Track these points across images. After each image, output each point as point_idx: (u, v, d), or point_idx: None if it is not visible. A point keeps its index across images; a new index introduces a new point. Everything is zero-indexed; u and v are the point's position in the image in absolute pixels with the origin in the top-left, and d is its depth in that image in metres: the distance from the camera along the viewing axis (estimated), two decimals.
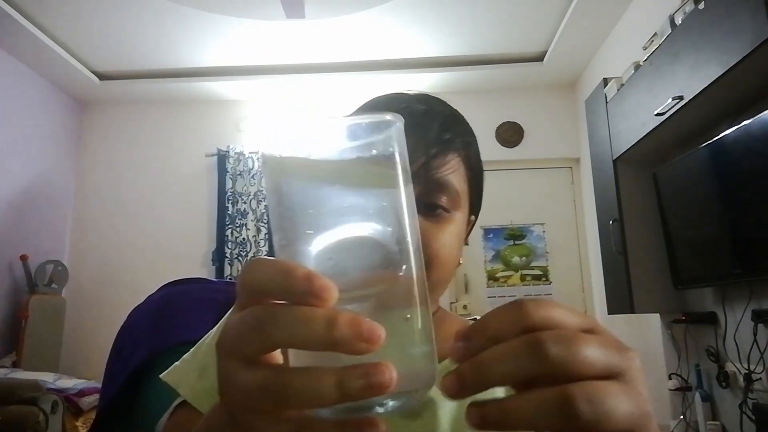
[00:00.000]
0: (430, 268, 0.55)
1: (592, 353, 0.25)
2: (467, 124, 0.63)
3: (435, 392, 0.56)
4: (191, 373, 0.59)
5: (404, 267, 0.27)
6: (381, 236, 0.27)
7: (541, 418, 0.25)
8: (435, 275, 0.56)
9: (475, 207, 0.63)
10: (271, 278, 0.25)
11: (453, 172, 0.56)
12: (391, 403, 0.26)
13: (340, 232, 0.27)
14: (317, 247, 0.27)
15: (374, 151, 0.28)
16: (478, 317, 0.69)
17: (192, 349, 0.62)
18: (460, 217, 0.58)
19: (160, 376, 0.60)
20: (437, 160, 0.55)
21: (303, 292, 0.24)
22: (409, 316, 0.27)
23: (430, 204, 0.55)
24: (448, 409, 0.56)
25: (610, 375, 0.26)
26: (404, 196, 0.28)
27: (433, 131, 0.56)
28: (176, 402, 0.59)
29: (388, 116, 0.29)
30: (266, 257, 0.26)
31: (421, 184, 0.54)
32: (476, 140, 0.63)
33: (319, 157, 0.29)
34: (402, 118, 0.29)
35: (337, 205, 0.28)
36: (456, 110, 0.63)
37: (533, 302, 0.27)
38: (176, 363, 0.61)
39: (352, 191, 0.28)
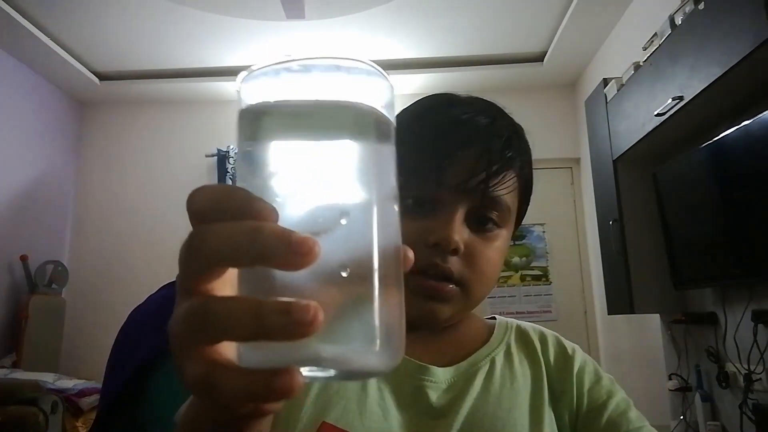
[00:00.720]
0: (475, 285, 0.56)
1: None
2: (526, 138, 0.62)
3: (462, 392, 0.56)
4: None
5: (350, 216, 0.25)
6: (332, 186, 0.26)
7: None
8: (479, 292, 0.57)
9: (520, 219, 0.63)
10: (210, 200, 0.24)
11: (510, 191, 0.56)
12: (315, 370, 0.24)
13: (297, 175, 0.26)
14: (271, 186, 0.26)
15: (350, 96, 0.26)
16: (497, 316, 0.69)
17: None
18: (506, 233, 0.58)
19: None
20: (498, 177, 0.55)
21: (239, 213, 0.23)
22: (346, 273, 0.24)
23: (482, 219, 0.56)
24: (475, 409, 0.56)
25: None
26: (372, 150, 0.26)
27: (497, 147, 0.56)
28: None
29: (373, 66, 0.27)
30: (211, 184, 0.25)
31: (478, 198, 0.54)
32: (531, 156, 0.62)
33: (290, 99, 0.27)
34: (385, 75, 0.28)
35: (300, 146, 0.27)
36: (516, 122, 0.62)
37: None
38: None
39: (320, 134, 0.26)
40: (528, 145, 0.62)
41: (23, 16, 3.10)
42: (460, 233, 0.53)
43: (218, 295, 0.25)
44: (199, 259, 0.24)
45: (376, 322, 0.24)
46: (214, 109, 4.11)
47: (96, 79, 3.81)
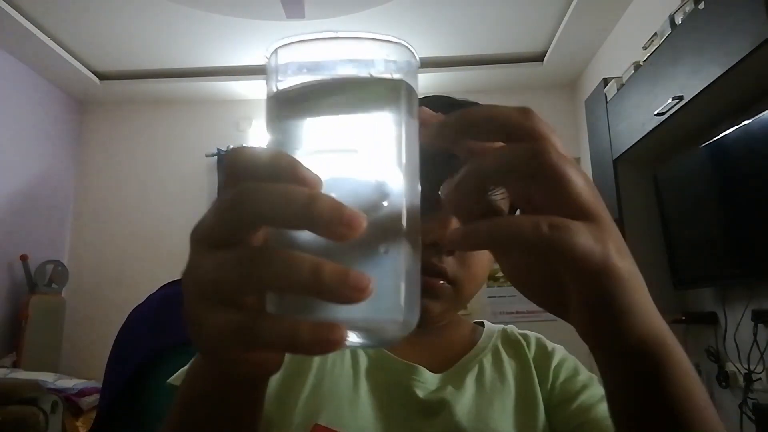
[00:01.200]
0: (467, 285, 0.58)
1: (574, 190, 0.28)
2: None
3: (452, 393, 0.56)
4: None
5: (390, 198, 0.26)
6: (371, 164, 0.26)
7: (513, 238, 0.27)
8: (470, 289, 0.59)
9: None
10: (256, 161, 0.25)
11: (506, 197, 0.57)
12: (353, 336, 0.25)
13: (328, 154, 0.26)
14: (309, 164, 0.26)
15: (379, 72, 0.27)
16: (485, 321, 0.70)
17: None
18: None
19: (168, 381, 0.60)
20: None
21: (286, 178, 0.24)
22: (385, 250, 0.26)
23: None
24: (465, 409, 0.57)
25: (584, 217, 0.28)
26: (404, 125, 0.27)
27: None
28: None
29: (403, 42, 0.28)
30: (251, 146, 0.26)
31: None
32: None
33: (317, 75, 0.27)
34: (415, 54, 0.29)
35: (329, 126, 0.27)
36: None
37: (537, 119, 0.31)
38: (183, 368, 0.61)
39: (348, 111, 0.27)
40: None
41: (23, 16, 3.09)
42: None
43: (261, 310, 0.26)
44: (248, 214, 0.24)
45: (403, 298, 0.26)
46: (214, 109, 4.11)
47: (96, 79, 3.81)
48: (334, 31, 0.27)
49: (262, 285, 0.24)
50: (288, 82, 0.27)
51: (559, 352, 0.66)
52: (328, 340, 0.22)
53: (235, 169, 0.26)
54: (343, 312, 0.23)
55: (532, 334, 0.69)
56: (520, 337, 0.67)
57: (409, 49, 0.28)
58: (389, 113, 0.27)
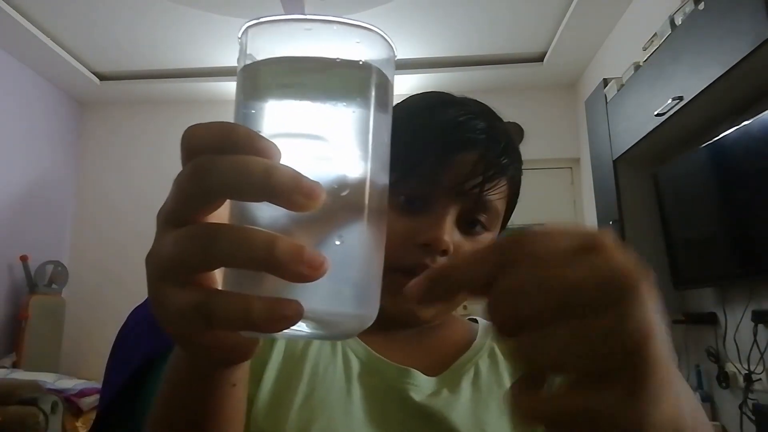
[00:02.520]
0: None
1: (571, 295, 0.22)
2: (517, 145, 0.63)
3: (447, 397, 0.55)
4: None
5: (350, 188, 0.25)
6: (332, 151, 0.26)
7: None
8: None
9: (504, 225, 0.64)
10: (213, 135, 0.24)
11: (501, 197, 0.57)
12: (307, 326, 0.24)
13: (288, 138, 0.25)
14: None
15: (350, 57, 0.26)
16: (478, 318, 0.69)
17: None
18: (492, 237, 0.59)
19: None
20: (492, 183, 0.55)
21: (244, 149, 0.23)
22: (341, 240, 0.25)
23: (472, 221, 0.56)
24: (462, 413, 0.55)
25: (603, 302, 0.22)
26: (373, 114, 0.26)
27: (494, 152, 0.56)
28: None
29: (378, 31, 0.27)
30: (207, 122, 0.25)
31: (471, 202, 0.55)
32: (522, 163, 0.63)
33: (293, 56, 0.27)
34: (390, 44, 0.28)
35: (292, 109, 0.26)
36: (507, 128, 0.63)
37: (512, 244, 0.24)
38: None
39: (313, 95, 0.26)
40: (518, 150, 0.62)
41: (23, 16, 3.10)
42: (451, 234, 0.53)
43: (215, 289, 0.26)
44: (205, 188, 0.23)
45: (357, 290, 0.25)
46: (214, 109, 4.10)
47: (96, 79, 3.81)
48: (307, 15, 0.26)
49: (215, 261, 0.23)
50: (256, 61, 0.27)
51: None
52: (283, 316, 0.22)
53: (190, 144, 0.25)
54: (297, 298, 0.23)
55: None
56: None
57: (384, 39, 0.27)
58: (357, 100, 0.26)
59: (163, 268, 0.24)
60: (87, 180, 4.09)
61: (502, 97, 4.07)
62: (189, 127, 0.25)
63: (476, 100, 0.63)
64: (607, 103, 2.59)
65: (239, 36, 0.28)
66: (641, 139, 2.25)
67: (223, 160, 0.23)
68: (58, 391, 2.69)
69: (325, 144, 0.26)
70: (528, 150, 3.93)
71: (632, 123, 2.32)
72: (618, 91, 2.48)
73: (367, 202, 0.26)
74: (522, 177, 0.63)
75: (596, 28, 3.19)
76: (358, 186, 0.26)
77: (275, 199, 0.22)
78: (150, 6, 3.03)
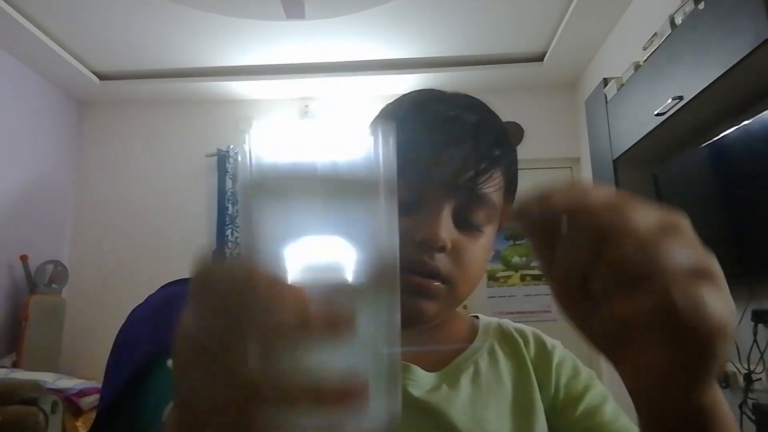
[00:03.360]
0: (461, 283, 0.56)
1: (677, 256, 0.27)
2: (510, 136, 0.63)
3: (447, 393, 0.55)
4: None
5: (368, 300, 0.26)
6: (347, 259, 0.26)
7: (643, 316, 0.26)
8: (464, 290, 0.57)
9: (505, 219, 0.63)
10: (233, 289, 0.24)
11: (496, 189, 0.57)
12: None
13: (305, 251, 0.26)
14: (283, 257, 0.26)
15: (358, 167, 0.27)
16: (480, 316, 0.69)
17: None
18: (492, 231, 0.59)
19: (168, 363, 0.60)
20: (485, 176, 0.55)
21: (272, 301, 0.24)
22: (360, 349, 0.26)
23: (468, 217, 0.56)
24: (461, 409, 0.56)
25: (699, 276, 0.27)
26: (384, 222, 0.27)
27: (485, 145, 0.56)
28: None
29: (378, 128, 0.27)
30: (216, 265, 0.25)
31: (465, 197, 0.54)
32: (516, 154, 0.63)
33: (295, 171, 0.27)
34: (392, 129, 0.28)
35: (305, 220, 0.27)
36: (501, 120, 0.62)
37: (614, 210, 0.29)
38: None
39: (324, 207, 0.27)
40: (512, 141, 0.62)
41: (23, 16, 3.09)
42: (447, 231, 0.53)
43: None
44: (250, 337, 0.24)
45: (383, 398, 0.26)
46: (214, 109, 4.11)
47: (96, 79, 3.81)
48: (315, 125, 0.27)
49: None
50: (264, 168, 0.27)
51: (558, 349, 0.64)
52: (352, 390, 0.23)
53: (213, 294, 0.25)
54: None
55: (529, 330, 0.66)
56: (517, 334, 0.65)
57: (388, 140, 0.28)
58: (366, 210, 0.27)
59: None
60: (87, 180, 4.08)
61: (502, 97, 4.04)
62: (203, 270, 0.25)
63: (467, 95, 0.62)
64: (607, 102, 2.59)
65: (245, 143, 0.28)
66: (641, 139, 2.25)
67: (257, 320, 0.23)
68: (58, 391, 2.69)
69: (338, 255, 0.26)
70: (528, 150, 3.93)
71: (632, 123, 2.32)
72: (618, 90, 2.48)
73: (386, 312, 0.27)
74: (518, 168, 0.63)
75: (596, 28, 3.19)
76: (372, 300, 0.27)
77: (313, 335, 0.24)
78: (150, 6, 3.03)
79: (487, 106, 0.62)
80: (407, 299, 0.54)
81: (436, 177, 0.54)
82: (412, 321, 0.57)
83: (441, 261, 0.54)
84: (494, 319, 0.68)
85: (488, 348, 0.62)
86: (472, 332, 0.65)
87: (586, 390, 0.59)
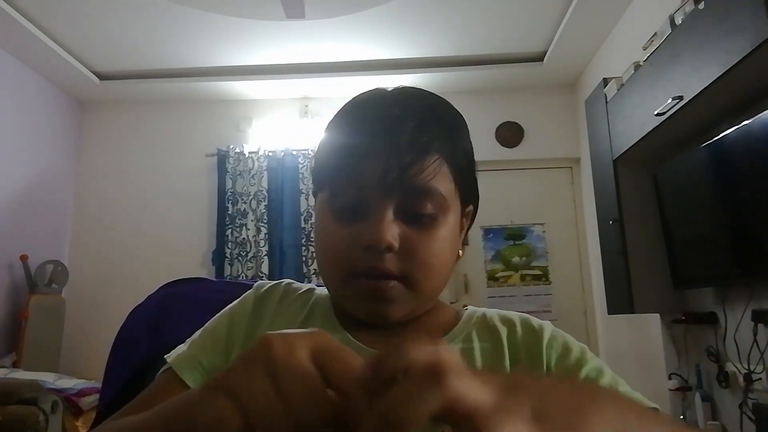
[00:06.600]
0: (420, 278, 0.55)
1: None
2: (451, 116, 0.60)
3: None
4: (182, 347, 0.60)
5: None
6: None
7: None
8: (427, 284, 0.56)
9: (468, 198, 0.61)
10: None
11: (435, 176, 0.54)
12: None
13: None
14: None
15: None
16: (470, 306, 0.68)
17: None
18: (450, 217, 0.57)
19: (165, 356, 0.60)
20: (415, 167, 0.53)
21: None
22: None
23: (414, 213, 0.54)
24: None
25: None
26: None
27: (406, 135, 0.53)
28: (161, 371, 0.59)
29: None
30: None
31: (404, 191, 0.53)
32: (462, 130, 0.60)
33: None
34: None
35: None
36: (439, 102, 0.60)
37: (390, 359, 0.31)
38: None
39: None
40: (452, 121, 0.59)
41: (23, 16, 3.10)
42: (391, 230, 0.53)
43: None
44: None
45: None
46: (214, 109, 4.11)
47: (96, 79, 3.81)
48: None
49: None
50: None
51: (547, 328, 0.62)
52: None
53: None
54: None
55: (516, 316, 0.64)
56: (500, 323, 0.63)
57: None
58: None
59: None
60: (87, 179, 4.08)
61: (502, 97, 4.07)
62: (274, 347, 0.33)
63: (410, 87, 0.60)
64: (607, 102, 2.59)
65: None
66: (641, 139, 2.25)
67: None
68: (58, 391, 2.69)
69: None
70: (528, 150, 3.94)
71: (632, 123, 2.32)
72: (618, 90, 2.48)
73: None
74: (471, 148, 0.60)
75: (596, 28, 3.19)
76: None
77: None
78: (150, 5, 3.03)
79: (422, 94, 0.59)
80: (368, 305, 0.55)
81: (367, 179, 0.53)
82: (381, 322, 0.56)
83: (391, 261, 0.53)
84: (482, 309, 0.66)
85: (464, 336, 0.61)
86: (455, 321, 0.64)
87: (580, 365, 0.58)
